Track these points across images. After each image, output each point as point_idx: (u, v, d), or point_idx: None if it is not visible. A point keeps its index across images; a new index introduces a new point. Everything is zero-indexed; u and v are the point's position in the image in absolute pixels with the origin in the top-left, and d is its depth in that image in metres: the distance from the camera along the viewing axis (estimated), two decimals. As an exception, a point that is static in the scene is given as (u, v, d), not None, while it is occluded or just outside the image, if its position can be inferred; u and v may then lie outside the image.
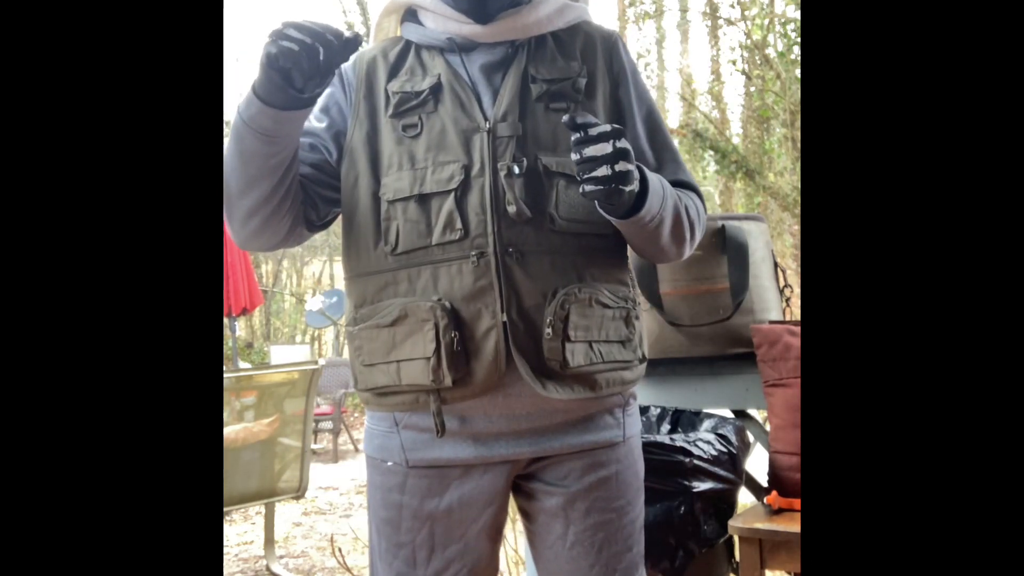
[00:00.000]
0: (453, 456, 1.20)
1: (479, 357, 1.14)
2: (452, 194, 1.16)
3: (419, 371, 1.15)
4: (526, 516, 1.28)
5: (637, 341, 1.25)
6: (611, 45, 1.29)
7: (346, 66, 1.29)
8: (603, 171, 1.04)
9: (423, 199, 1.17)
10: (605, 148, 1.05)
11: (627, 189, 1.07)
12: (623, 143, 1.06)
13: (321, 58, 1.05)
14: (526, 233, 1.15)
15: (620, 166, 1.05)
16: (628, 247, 1.27)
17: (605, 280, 1.21)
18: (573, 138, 1.06)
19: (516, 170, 1.15)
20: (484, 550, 1.23)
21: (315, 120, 1.28)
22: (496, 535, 1.25)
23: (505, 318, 1.13)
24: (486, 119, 1.19)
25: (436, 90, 1.22)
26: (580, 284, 1.17)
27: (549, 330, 1.14)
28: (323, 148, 1.27)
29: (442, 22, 1.26)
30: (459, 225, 1.15)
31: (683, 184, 1.29)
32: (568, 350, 1.15)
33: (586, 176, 1.05)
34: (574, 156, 1.06)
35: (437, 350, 1.13)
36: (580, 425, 1.22)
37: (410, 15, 1.31)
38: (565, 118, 1.06)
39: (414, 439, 1.22)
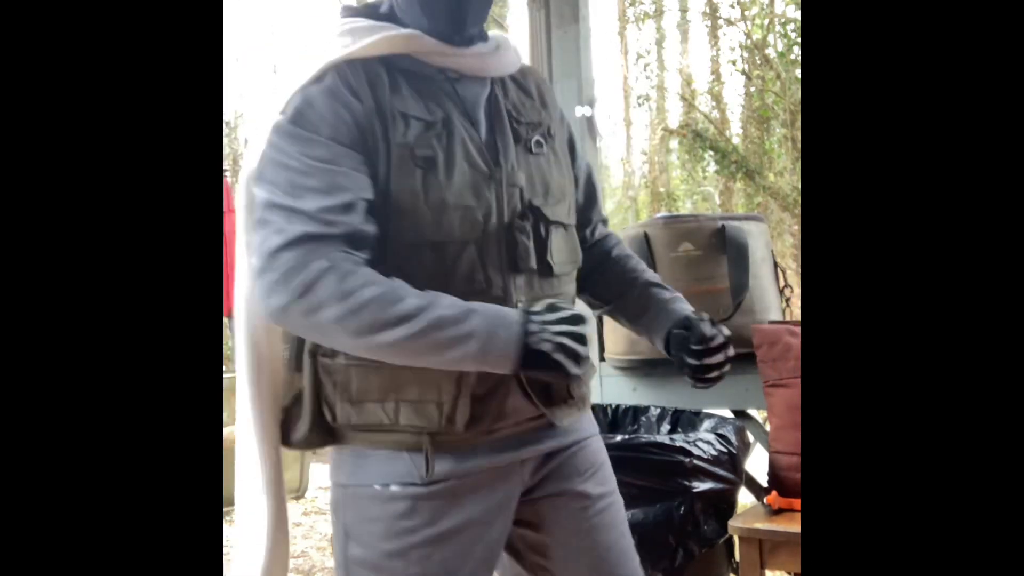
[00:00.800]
0: (469, 467, 1.16)
1: (489, 402, 1.14)
2: (472, 244, 1.12)
3: (423, 413, 1.12)
4: (532, 527, 1.25)
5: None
6: (550, 89, 1.34)
7: (349, 75, 1.12)
8: (715, 374, 1.21)
9: (440, 245, 1.11)
10: (719, 358, 1.20)
11: None
12: (732, 350, 1.21)
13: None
14: (533, 282, 1.18)
15: (727, 367, 1.22)
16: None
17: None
18: (696, 348, 1.20)
19: (527, 227, 1.17)
20: (489, 567, 1.21)
21: (352, 169, 1.09)
22: (497, 555, 1.22)
23: None
24: (497, 165, 1.16)
25: (448, 124, 1.14)
26: None
27: None
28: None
29: (432, 48, 1.17)
30: (480, 277, 1.13)
31: (604, 220, 1.42)
32: (572, 382, 1.20)
33: (702, 377, 1.21)
34: (692, 360, 1.20)
35: (457, 396, 1.11)
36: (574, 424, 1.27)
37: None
38: (682, 333, 1.22)
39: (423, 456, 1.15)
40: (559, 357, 1.02)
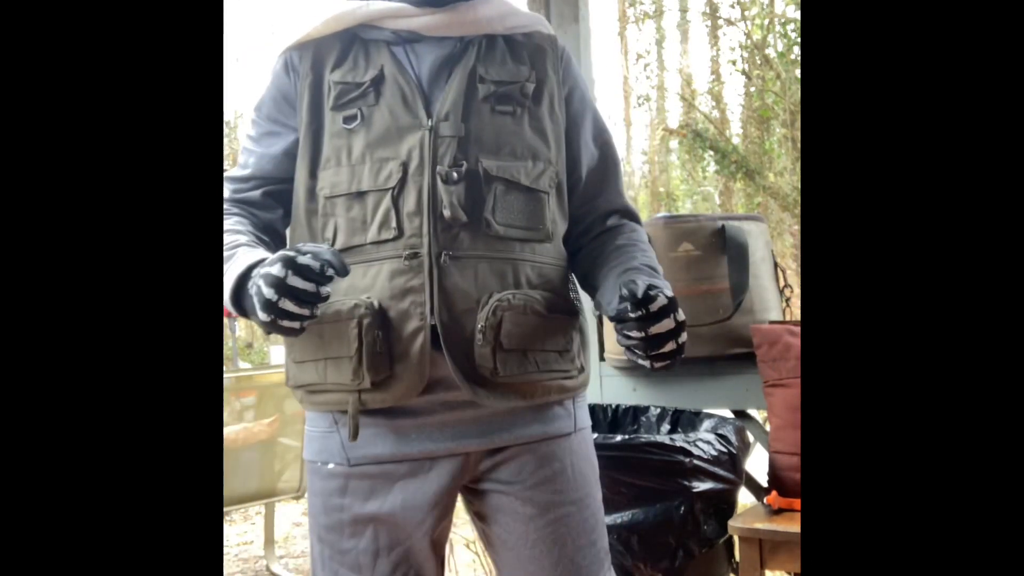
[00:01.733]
0: (396, 451, 1.16)
1: (404, 360, 1.12)
2: (389, 193, 1.14)
3: (343, 370, 1.14)
4: (482, 520, 1.23)
5: (575, 351, 1.22)
6: (561, 54, 1.28)
7: (295, 55, 1.23)
8: (670, 346, 1.06)
9: (360, 196, 1.15)
10: (669, 324, 1.05)
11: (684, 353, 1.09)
12: (681, 314, 1.07)
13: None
14: (461, 236, 1.14)
15: (683, 338, 1.07)
16: (567, 257, 1.26)
17: (542, 288, 1.18)
18: (635, 315, 1.04)
19: (454, 176, 1.14)
20: (428, 556, 1.19)
21: (265, 147, 1.24)
22: (441, 541, 1.21)
23: (435, 321, 1.11)
24: (429, 116, 1.16)
25: (378, 82, 1.18)
26: (515, 291, 1.15)
27: (480, 336, 1.12)
28: (280, 188, 1.25)
29: (388, 12, 1.21)
30: (394, 224, 1.13)
31: (625, 212, 1.31)
32: (500, 359, 1.13)
33: (653, 353, 1.06)
34: (636, 333, 1.05)
35: (359, 349, 1.11)
36: (529, 415, 1.19)
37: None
38: (624, 293, 1.04)
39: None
40: (255, 301, 1.02)
